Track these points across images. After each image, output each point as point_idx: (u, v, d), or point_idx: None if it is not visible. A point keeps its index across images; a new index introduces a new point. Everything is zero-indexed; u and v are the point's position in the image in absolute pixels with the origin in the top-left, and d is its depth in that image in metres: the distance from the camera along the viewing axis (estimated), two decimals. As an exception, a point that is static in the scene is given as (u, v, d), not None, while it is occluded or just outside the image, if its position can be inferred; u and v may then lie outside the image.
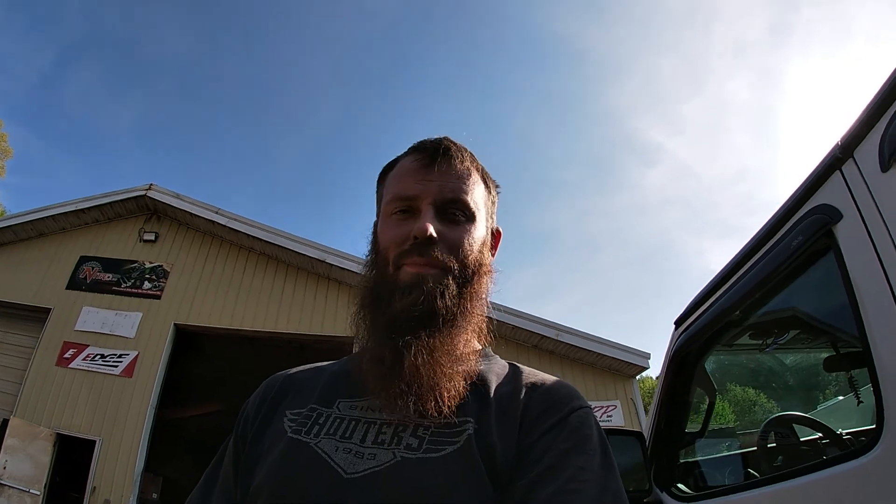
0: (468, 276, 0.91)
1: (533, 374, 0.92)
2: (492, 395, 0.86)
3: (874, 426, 1.21)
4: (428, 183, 0.92)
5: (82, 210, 11.89)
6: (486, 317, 0.98)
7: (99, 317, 10.78)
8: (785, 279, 1.60)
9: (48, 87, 59.60)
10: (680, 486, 2.19)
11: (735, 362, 2.93)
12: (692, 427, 2.42)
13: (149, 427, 9.95)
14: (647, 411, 9.96)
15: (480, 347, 0.99)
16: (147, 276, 11.09)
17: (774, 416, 2.23)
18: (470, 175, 0.96)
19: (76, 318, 10.87)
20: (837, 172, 1.35)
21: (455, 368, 0.84)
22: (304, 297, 10.57)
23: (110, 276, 11.26)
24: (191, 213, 11.20)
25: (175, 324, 10.58)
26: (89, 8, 58.70)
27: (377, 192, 1.07)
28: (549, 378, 0.90)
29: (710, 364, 2.35)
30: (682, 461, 2.38)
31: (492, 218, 1.04)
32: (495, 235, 1.07)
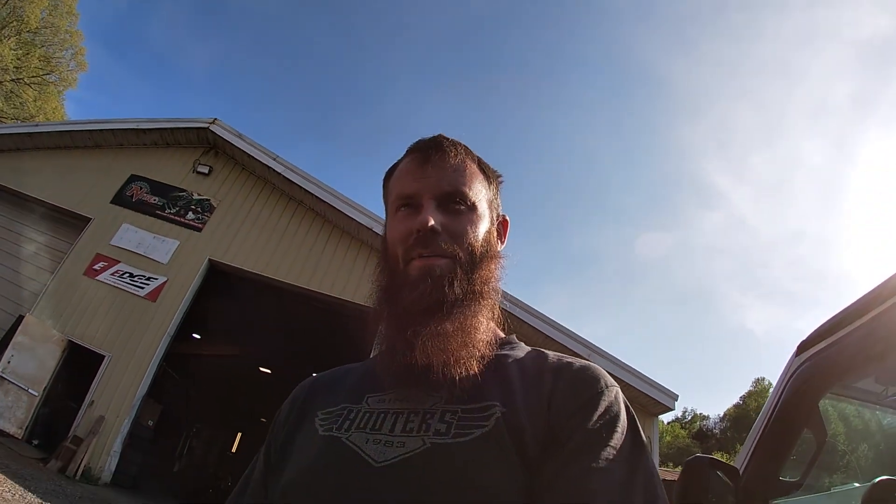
0: (476, 262, 0.92)
1: (558, 357, 0.91)
2: (517, 378, 0.86)
3: None
4: (426, 179, 0.94)
5: (143, 130, 11.97)
6: (499, 302, 0.98)
7: (136, 236, 10.76)
8: None
9: (135, 14, 61.76)
10: None
11: (853, 410, 2.54)
12: (789, 474, 2.02)
13: (160, 355, 9.84)
14: (658, 455, 9.54)
15: (503, 335, 1.01)
16: (193, 206, 11.07)
17: (886, 477, 1.89)
18: (466, 166, 0.98)
19: (113, 233, 10.89)
20: None
21: (468, 352, 0.84)
22: (343, 261, 10.41)
23: (156, 199, 11.26)
24: (249, 155, 11.18)
25: (210, 259, 10.52)
26: None
27: (383, 196, 1.08)
28: (575, 360, 0.89)
29: (824, 403, 1.99)
30: None
31: (495, 206, 1.05)
32: (502, 223, 1.08)
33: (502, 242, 1.06)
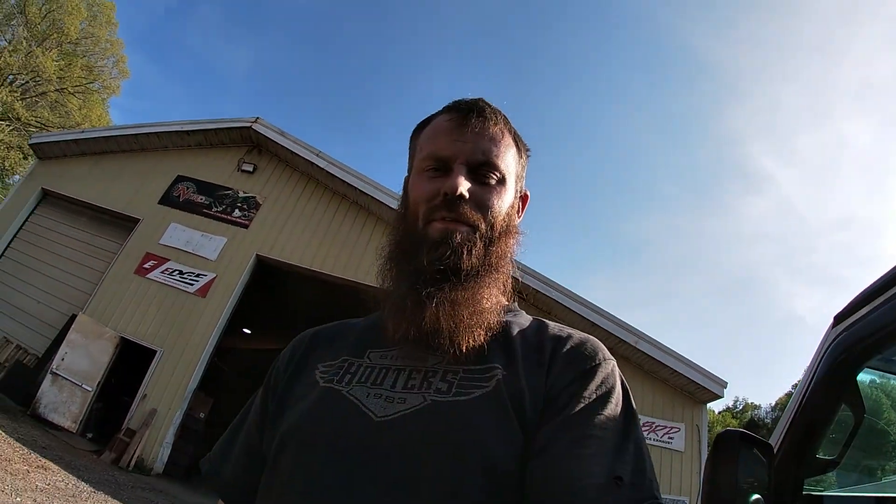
0: (495, 235, 0.92)
1: (559, 327, 0.92)
2: (519, 344, 0.87)
3: None
4: (461, 144, 0.92)
5: (187, 132, 12.27)
6: (512, 277, 0.98)
7: (185, 235, 11.03)
8: None
9: (172, 20, 63.33)
10: None
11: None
12: (827, 452, 1.92)
13: (210, 349, 10.06)
14: (709, 443, 9.35)
15: (507, 303, 1.00)
16: (239, 204, 11.29)
17: None
18: (503, 137, 0.96)
19: (162, 233, 11.20)
20: None
21: (476, 321, 0.84)
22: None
23: (203, 198, 11.52)
24: (292, 152, 11.37)
25: (257, 254, 10.72)
26: None
27: (410, 147, 1.07)
28: (575, 331, 0.90)
29: (865, 378, 1.91)
30: (804, 491, 1.84)
31: (521, 181, 1.04)
32: (523, 198, 1.06)
33: (520, 217, 1.04)
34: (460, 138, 0.92)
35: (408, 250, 0.91)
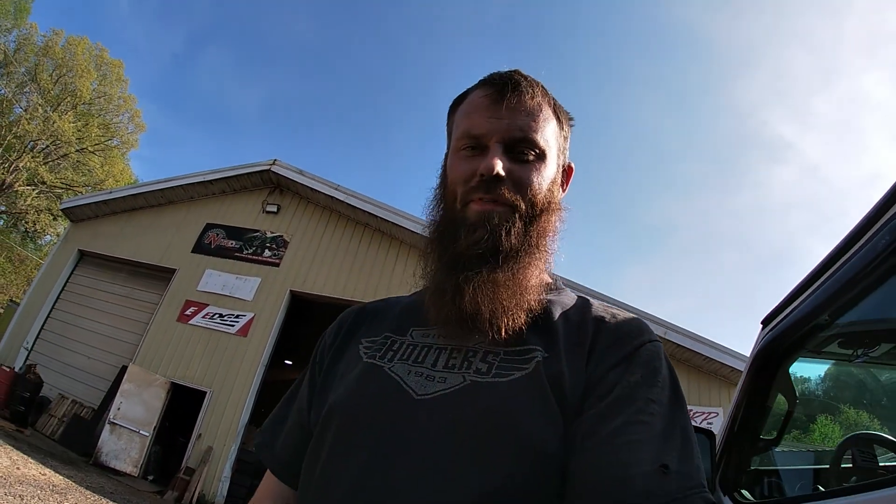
0: (535, 214, 0.90)
1: (603, 307, 0.91)
2: (560, 325, 0.86)
3: None
4: (497, 121, 0.90)
5: (210, 181, 12.84)
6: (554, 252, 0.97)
7: (220, 279, 11.54)
8: (872, 284, 1.45)
9: (179, 68, 64.81)
10: (744, 492, 2.13)
11: (822, 371, 2.77)
12: (767, 434, 2.29)
13: (257, 384, 10.51)
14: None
15: (550, 280, 0.99)
16: (268, 244, 11.79)
17: (855, 433, 2.12)
18: (541, 111, 0.93)
19: (199, 280, 11.75)
20: None
21: (516, 303, 0.84)
22: (415, 276, 10.71)
23: (233, 242, 12.06)
24: (311, 189, 11.84)
25: (291, 290, 11.18)
26: None
27: (447, 124, 1.05)
28: (619, 312, 0.89)
29: (795, 370, 2.21)
30: (751, 468, 2.27)
31: (564, 153, 1.00)
32: (567, 171, 1.03)
33: (564, 191, 1.03)
34: (495, 115, 0.90)
35: (446, 233, 0.91)
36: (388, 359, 0.87)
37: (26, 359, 12.29)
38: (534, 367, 0.78)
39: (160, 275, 12.39)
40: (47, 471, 7.48)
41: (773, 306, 2.12)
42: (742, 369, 2.16)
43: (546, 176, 0.92)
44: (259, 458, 1.00)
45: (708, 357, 9.21)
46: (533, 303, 0.86)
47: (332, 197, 11.52)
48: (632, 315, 0.88)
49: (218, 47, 66.78)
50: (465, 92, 1.00)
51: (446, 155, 1.01)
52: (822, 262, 1.76)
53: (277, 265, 11.45)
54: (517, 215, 0.88)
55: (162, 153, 66.44)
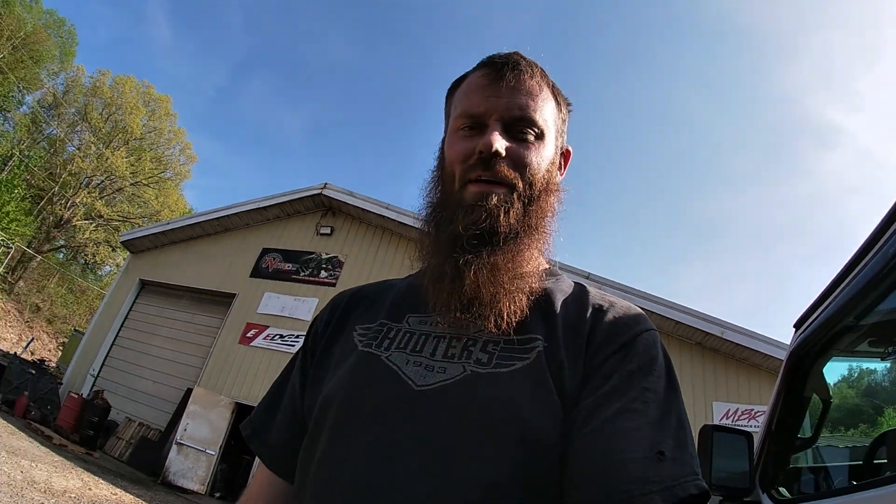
0: (534, 194, 0.89)
1: (601, 295, 0.90)
2: (559, 313, 0.85)
3: None
4: (496, 99, 0.89)
5: (264, 207, 13.28)
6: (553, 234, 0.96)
7: (279, 301, 11.89)
8: (893, 283, 1.54)
9: (224, 99, 67.56)
10: (781, 489, 2.19)
11: (857, 369, 2.82)
12: (803, 433, 2.36)
13: (319, 402, 10.64)
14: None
15: (547, 266, 0.98)
16: (323, 265, 12.12)
17: (888, 430, 2.15)
18: (540, 91, 0.92)
19: (258, 303, 12.13)
20: None
21: (517, 286, 0.83)
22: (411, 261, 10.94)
23: (290, 265, 12.43)
24: (363, 209, 12.15)
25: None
26: (251, 26, 65.90)
27: (445, 107, 1.03)
28: (616, 300, 0.88)
29: (828, 369, 2.29)
30: (788, 466, 2.35)
31: (562, 136, 1.00)
32: (565, 154, 1.02)
33: (562, 174, 1.02)
34: (494, 94, 0.89)
35: (443, 215, 0.90)
36: (384, 347, 0.85)
37: (93, 385, 12.88)
38: (535, 356, 0.78)
39: (220, 300, 12.85)
40: (118, 490, 7.81)
41: (806, 308, 2.21)
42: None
43: (545, 156, 0.92)
44: (250, 448, 0.97)
45: (767, 354, 9.03)
46: (534, 285, 0.86)
47: (382, 216, 11.79)
48: (628, 303, 0.88)
49: (260, 76, 69.04)
50: (463, 75, 0.99)
51: (443, 139, 1.00)
52: (846, 264, 1.85)
53: (334, 285, 11.73)
54: (515, 195, 0.87)
55: (213, 181, 68.73)
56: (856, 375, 2.88)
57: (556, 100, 0.96)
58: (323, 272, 12.01)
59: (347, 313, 0.98)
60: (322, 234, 12.54)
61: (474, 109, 0.90)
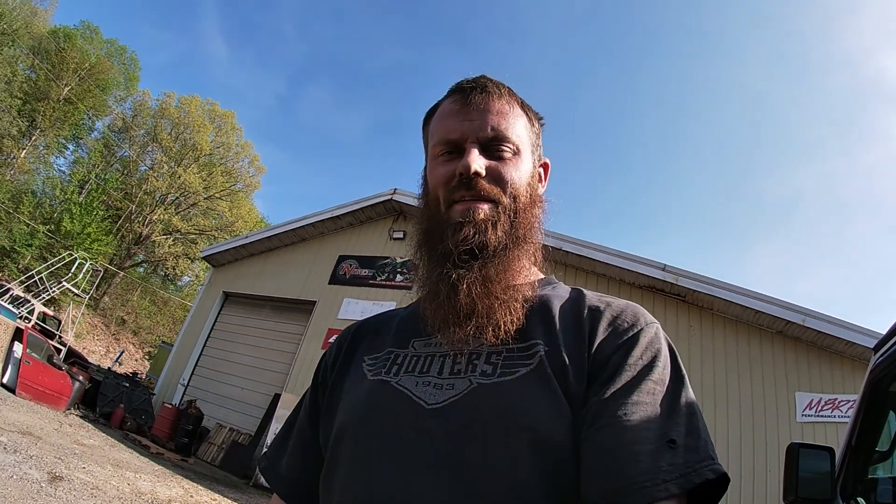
0: (519, 207, 0.92)
1: (597, 297, 0.91)
2: (557, 318, 0.86)
3: None
4: (469, 123, 0.92)
5: (337, 216, 13.73)
6: (542, 245, 0.99)
7: (358, 307, 12.27)
8: None
9: (285, 108, 69.78)
10: (860, 499, 2.33)
11: None
12: (881, 447, 2.50)
13: (404, 403, 10.95)
14: None
15: (543, 276, 1.01)
16: (399, 269, 12.44)
17: None
18: (511, 110, 0.95)
19: (338, 308, 12.54)
20: None
21: (510, 295, 0.85)
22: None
23: (366, 271, 12.81)
24: (434, 213, 12.25)
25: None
26: (304, 34, 67.92)
27: (423, 137, 1.07)
28: (614, 299, 0.90)
29: None
30: (867, 478, 2.48)
31: (538, 150, 1.03)
32: (543, 167, 1.05)
33: (543, 186, 1.04)
34: (467, 118, 0.92)
35: (433, 235, 0.92)
36: (393, 373, 0.86)
37: (183, 394, 13.60)
38: (538, 361, 0.78)
39: (302, 307, 13.33)
40: (216, 496, 8.23)
41: (886, 331, 2.38)
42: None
43: (524, 170, 0.94)
44: (265, 480, 1.00)
45: (850, 342, 8.65)
46: (527, 294, 0.88)
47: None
48: (626, 301, 0.89)
49: (317, 82, 70.67)
50: (436, 103, 1.02)
51: (425, 167, 1.02)
52: None
53: (410, 288, 11.87)
54: (501, 209, 0.89)
55: (282, 188, 70.74)
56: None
57: (527, 115, 1.00)
58: (399, 276, 12.32)
59: (355, 346, 1.00)
60: (395, 239, 12.85)
61: (450, 135, 0.93)
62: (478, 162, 0.89)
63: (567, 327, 0.84)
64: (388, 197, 12.98)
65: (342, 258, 13.28)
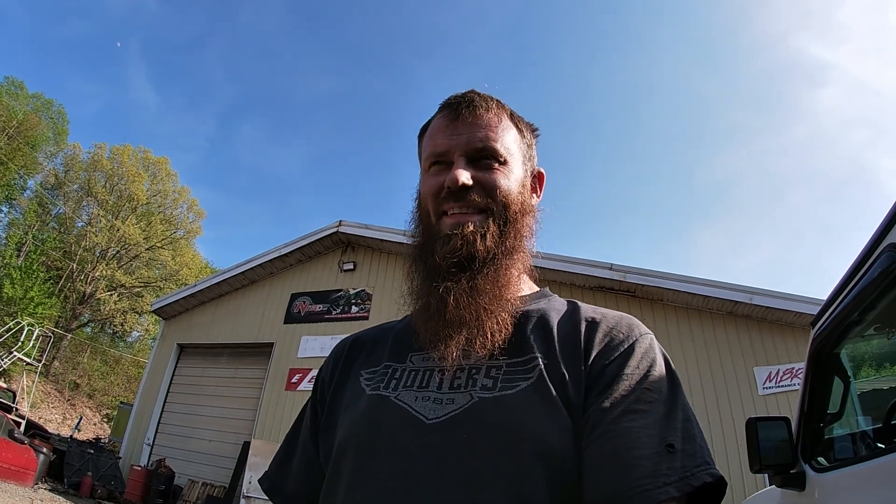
0: (508, 217, 0.92)
1: (592, 309, 0.92)
2: (555, 330, 0.87)
3: None
4: (457, 137, 0.94)
5: (285, 254, 13.58)
6: (533, 256, 1.01)
7: (317, 343, 12.19)
8: (880, 294, 2.05)
9: (218, 149, 68.56)
10: (820, 458, 2.52)
11: (867, 350, 3.31)
12: (833, 408, 2.77)
13: (375, 434, 10.90)
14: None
15: (538, 288, 1.02)
16: (353, 301, 12.41)
17: None
18: (499, 122, 0.97)
19: (297, 347, 12.43)
20: None
21: (500, 306, 0.86)
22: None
23: (320, 306, 12.74)
24: (380, 240, 12.44)
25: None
26: (232, 74, 66.78)
27: (418, 152, 1.08)
28: (608, 311, 0.91)
29: (845, 354, 2.74)
30: (824, 438, 2.71)
31: (530, 160, 1.03)
32: (537, 177, 1.06)
33: (538, 196, 1.05)
34: (455, 132, 0.94)
35: (425, 248, 0.94)
36: (391, 388, 0.86)
37: (150, 454, 13.17)
38: (538, 374, 0.79)
39: (260, 350, 13.12)
40: None
41: (820, 307, 2.69)
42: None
43: (513, 179, 0.95)
44: (271, 500, 1.00)
45: (799, 312, 8.90)
46: (519, 305, 0.90)
47: (401, 243, 12.01)
48: (620, 313, 0.90)
49: (248, 121, 69.63)
50: (429, 119, 1.04)
51: (419, 183, 1.03)
52: (845, 276, 2.33)
53: (367, 318, 11.99)
54: (491, 220, 0.90)
55: (224, 232, 69.51)
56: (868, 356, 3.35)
57: (517, 127, 1.01)
58: (354, 307, 12.28)
59: (351, 360, 1.00)
60: (346, 271, 12.81)
61: (439, 149, 0.95)
62: (464, 174, 0.90)
63: (564, 340, 0.85)
64: (335, 230, 12.95)
65: (295, 296, 13.16)
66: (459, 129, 0.94)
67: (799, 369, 9.00)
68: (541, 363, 0.81)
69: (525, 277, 1.00)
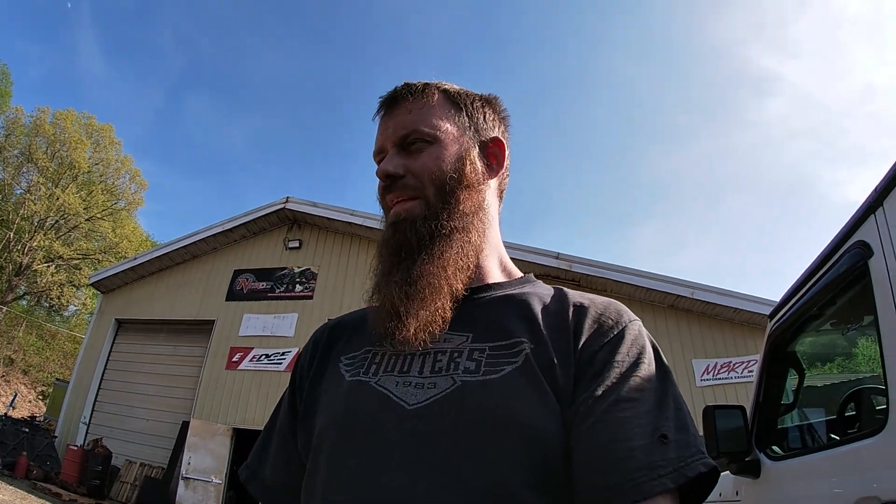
0: (446, 195, 0.90)
1: (580, 294, 0.91)
2: (540, 316, 0.85)
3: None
4: (387, 130, 0.95)
5: (229, 229, 13.24)
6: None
7: (259, 321, 11.92)
8: (842, 290, 2.10)
9: (165, 121, 66.23)
10: (774, 447, 2.59)
11: (820, 344, 3.47)
12: (786, 399, 2.86)
13: (316, 415, 10.79)
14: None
15: (521, 274, 1.01)
16: (298, 279, 12.17)
17: (853, 389, 2.57)
18: (425, 102, 0.95)
19: (239, 326, 12.15)
20: (872, 216, 1.81)
21: (434, 294, 0.84)
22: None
23: (264, 284, 12.46)
24: (328, 218, 12.22)
25: (329, 318, 11.35)
26: (183, 45, 64.36)
27: None
28: (596, 297, 0.90)
29: (800, 348, 2.83)
30: (778, 428, 2.78)
31: (475, 131, 0.99)
32: (492, 146, 1.01)
33: (500, 165, 1.02)
34: (385, 128, 0.96)
35: (380, 243, 0.95)
36: (372, 373, 0.84)
37: (87, 433, 12.76)
38: (524, 358, 0.78)
39: (200, 328, 12.79)
40: None
41: (778, 301, 2.73)
42: (768, 313, 2.81)
43: (445, 156, 0.92)
44: (249, 491, 0.97)
45: (737, 308, 9.36)
46: (458, 288, 0.87)
47: (349, 223, 11.87)
48: (608, 299, 0.90)
49: (197, 94, 67.56)
50: None
51: None
52: (804, 273, 2.40)
53: (311, 297, 11.80)
54: (426, 204, 0.90)
55: (167, 206, 67.56)
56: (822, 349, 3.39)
57: (452, 101, 0.98)
58: (298, 286, 12.05)
59: (331, 345, 0.98)
60: (291, 249, 12.55)
61: (377, 147, 0.97)
62: (389, 164, 0.91)
63: (551, 325, 0.83)
64: (281, 206, 12.67)
65: (238, 273, 12.83)
66: (388, 124, 0.95)
67: (736, 363, 9.38)
68: (527, 347, 0.79)
69: (497, 257, 0.99)
